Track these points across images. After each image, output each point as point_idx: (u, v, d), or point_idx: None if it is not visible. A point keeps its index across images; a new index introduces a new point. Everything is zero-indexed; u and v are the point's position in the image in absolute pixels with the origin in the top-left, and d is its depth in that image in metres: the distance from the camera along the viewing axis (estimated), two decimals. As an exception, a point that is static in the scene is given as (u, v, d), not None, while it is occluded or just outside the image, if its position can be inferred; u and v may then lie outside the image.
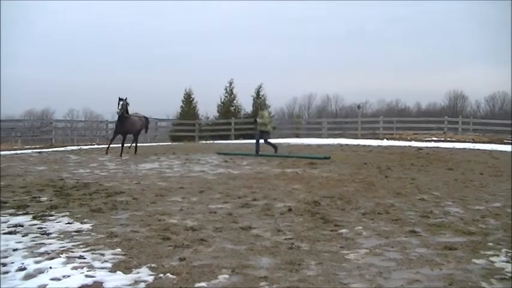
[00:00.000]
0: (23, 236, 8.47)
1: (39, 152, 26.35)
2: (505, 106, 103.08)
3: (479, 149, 28.02)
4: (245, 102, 52.07)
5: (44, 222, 9.57)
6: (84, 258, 7.19)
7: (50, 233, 8.69)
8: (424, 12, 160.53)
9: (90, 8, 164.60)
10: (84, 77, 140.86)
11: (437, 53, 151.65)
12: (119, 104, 23.43)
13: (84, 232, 8.84)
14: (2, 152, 25.85)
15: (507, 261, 7.21)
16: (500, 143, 33.70)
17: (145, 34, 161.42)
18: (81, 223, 9.51)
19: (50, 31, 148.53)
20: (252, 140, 37.33)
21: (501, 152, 25.88)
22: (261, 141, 24.40)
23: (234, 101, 50.16)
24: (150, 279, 6.35)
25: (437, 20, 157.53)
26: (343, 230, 9.02)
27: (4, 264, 6.86)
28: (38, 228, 9.07)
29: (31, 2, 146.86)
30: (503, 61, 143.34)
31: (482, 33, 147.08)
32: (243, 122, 45.69)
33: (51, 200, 11.78)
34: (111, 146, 25.89)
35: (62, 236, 8.55)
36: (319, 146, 29.93)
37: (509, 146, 29.75)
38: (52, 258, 7.15)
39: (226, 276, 6.49)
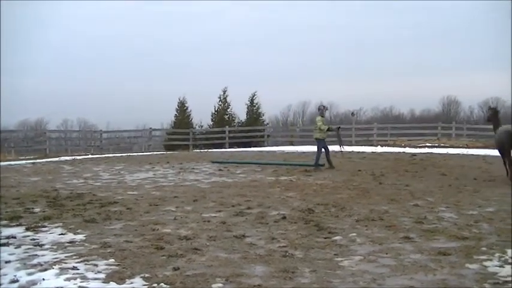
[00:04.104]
0: (15, 248, 8.47)
1: (33, 163, 26.27)
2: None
3: (472, 154, 28.01)
4: (239, 111, 51.80)
5: (37, 233, 9.57)
6: (78, 269, 7.18)
7: (43, 244, 8.69)
8: (417, 21, 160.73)
9: (85, 16, 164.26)
10: (79, 87, 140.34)
11: (431, 60, 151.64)
12: None
13: (77, 243, 8.84)
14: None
15: (500, 266, 7.23)
16: (494, 148, 33.68)
17: (138, 43, 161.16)
18: (75, 234, 9.51)
19: (45, 41, 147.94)
20: (246, 149, 37.44)
21: (494, 157, 25.89)
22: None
23: (228, 109, 50.04)
24: (144, 289, 6.35)
25: (431, 28, 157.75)
26: (337, 237, 9.03)
27: (-3, 277, 6.84)
28: (31, 239, 9.07)
29: (26, 10, 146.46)
30: (496, 67, 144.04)
31: (476, 40, 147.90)
32: (237, 131, 45.65)
33: (44, 211, 11.77)
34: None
35: (55, 247, 8.55)
36: (313, 153, 29.82)
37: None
38: (45, 270, 7.15)
39: (220, 285, 6.49)
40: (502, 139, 17.22)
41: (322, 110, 22.22)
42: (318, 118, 21.72)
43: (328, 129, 21.71)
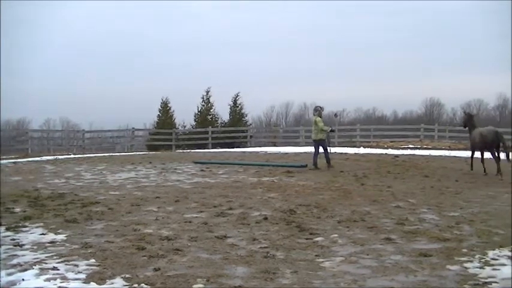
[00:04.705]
0: (-5, 248, 8.40)
1: (14, 162, 26.09)
2: (481, 113, 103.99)
3: (455, 156, 28.14)
4: (222, 111, 51.65)
5: (18, 233, 9.50)
6: (58, 270, 7.15)
7: (23, 245, 8.63)
8: (401, 23, 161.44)
9: (67, 16, 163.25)
10: (61, 86, 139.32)
11: (414, 62, 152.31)
12: None
13: (58, 243, 8.80)
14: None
15: (481, 267, 7.28)
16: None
17: (120, 43, 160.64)
18: (56, 234, 9.46)
19: (24, 40, 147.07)
20: (229, 149, 37.41)
21: (476, 159, 26.06)
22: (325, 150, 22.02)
23: (211, 110, 49.97)
24: (124, 290, 6.33)
25: (413, 31, 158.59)
26: (319, 238, 9.05)
27: (-25, 277, 6.79)
28: (11, 239, 9.00)
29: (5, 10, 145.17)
30: (479, 70, 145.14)
31: (459, 42, 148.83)
32: (220, 131, 45.66)
33: (25, 211, 11.68)
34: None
35: (35, 247, 8.50)
36: (296, 154, 29.91)
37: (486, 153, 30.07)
38: (25, 270, 7.11)
39: (201, 285, 6.49)
40: (489, 138, 19.20)
41: (319, 110, 22.30)
42: (318, 119, 21.79)
43: (331, 130, 22.46)
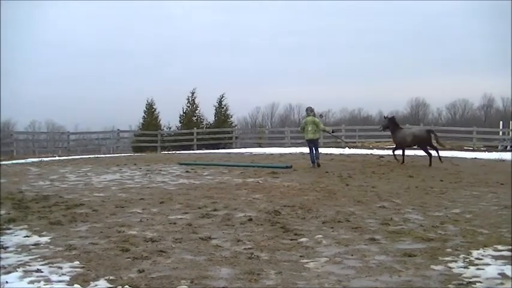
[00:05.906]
0: (-22, 251, 8.35)
1: (-2, 165, 25.96)
2: (466, 114, 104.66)
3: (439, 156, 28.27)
4: (208, 112, 51.56)
5: (1, 235, 9.43)
6: (42, 272, 7.12)
7: (7, 247, 8.58)
8: (387, 24, 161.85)
9: (50, 16, 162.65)
10: (47, 88, 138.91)
11: (399, 62, 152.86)
12: None
13: (42, 245, 8.76)
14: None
15: (465, 267, 7.31)
16: (461, 150, 34.07)
17: (105, 43, 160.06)
18: (40, 236, 9.41)
19: (14, 39, 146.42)
20: (215, 150, 37.37)
21: (461, 158, 26.14)
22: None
23: (197, 111, 49.90)
24: (108, 291, 6.31)
25: (399, 31, 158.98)
26: (303, 239, 9.05)
27: (-42, 280, 6.75)
28: (-5, 242, 8.95)
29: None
30: (464, 69, 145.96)
31: (444, 43, 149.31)
32: (205, 132, 45.67)
33: (9, 213, 11.60)
34: None
35: (19, 249, 8.45)
36: (281, 155, 29.94)
37: (471, 153, 30.37)
38: (9, 273, 7.07)
39: (185, 287, 6.46)
40: (423, 137, 22.96)
41: (314, 111, 22.75)
42: (318, 120, 22.68)
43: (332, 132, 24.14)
